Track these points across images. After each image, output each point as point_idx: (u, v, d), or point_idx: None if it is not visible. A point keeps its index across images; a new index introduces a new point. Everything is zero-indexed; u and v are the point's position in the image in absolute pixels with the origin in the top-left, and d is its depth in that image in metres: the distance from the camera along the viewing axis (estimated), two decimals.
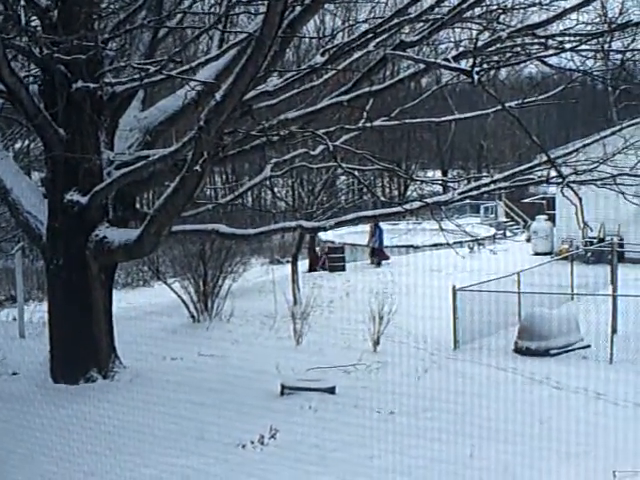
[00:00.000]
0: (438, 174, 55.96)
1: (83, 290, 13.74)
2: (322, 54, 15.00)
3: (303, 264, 31.14)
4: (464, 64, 13.70)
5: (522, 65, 31.43)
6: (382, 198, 25.01)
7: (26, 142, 30.08)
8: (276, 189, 36.43)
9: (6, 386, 13.34)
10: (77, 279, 13.74)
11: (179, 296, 21.39)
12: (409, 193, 50.73)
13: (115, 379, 13.65)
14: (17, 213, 14.46)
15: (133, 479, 8.89)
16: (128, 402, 12.31)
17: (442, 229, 14.37)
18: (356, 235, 36.95)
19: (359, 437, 10.83)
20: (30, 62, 16.42)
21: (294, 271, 24.39)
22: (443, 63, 13.24)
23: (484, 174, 35.92)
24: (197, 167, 12.12)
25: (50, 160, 14.16)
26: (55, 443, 10.10)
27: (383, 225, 33.58)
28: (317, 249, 32.60)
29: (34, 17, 14.07)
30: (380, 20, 14.61)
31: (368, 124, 15.48)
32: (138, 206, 16.39)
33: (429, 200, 15.03)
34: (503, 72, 47.65)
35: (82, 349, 13.69)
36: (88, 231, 13.79)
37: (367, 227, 34.07)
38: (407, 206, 14.60)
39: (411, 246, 37.29)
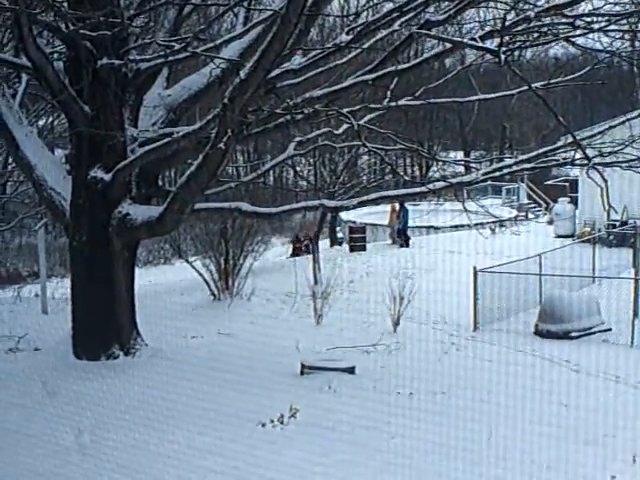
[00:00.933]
0: (460, 155, 55.84)
1: (105, 267, 13.79)
2: (347, 33, 14.93)
3: (324, 243, 31.15)
4: (490, 44, 13.62)
5: (548, 46, 31.05)
6: (406, 177, 24.87)
7: (50, 119, 30.24)
8: (298, 168, 36.49)
9: (29, 361, 13.44)
10: (100, 256, 13.79)
11: (200, 274, 21.47)
12: (431, 174, 50.60)
13: (136, 356, 13.72)
14: (41, 189, 14.51)
15: (158, 454, 8.94)
16: (149, 378, 12.37)
17: (466, 210, 14.30)
18: (377, 215, 36.93)
19: (379, 417, 10.85)
20: (55, 38, 16.48)
21: (315, 250, 24.40)
22: (470, 42, 13.12)
23: (507, 155, 35.74)
24: (221, 145, 12.12)
25: (74, 137, 14.20)
26: (79, 417, 10.18)
27: None
28: (299, 234, 32.13)
29: None
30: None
31: (392, 103, 15.42)
32: (161, 183, 16.39)
33: (452, 180, 14.97)
34: (528, 53, 47.38)
35: (104, 325, 13.76)
36: (111, 208, 13.82)
37: (388, 207, 34.02)
38: (430, 186, 14.52)
39: (432, 227, 37.25)
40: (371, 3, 26.79)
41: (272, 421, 10.31)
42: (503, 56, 11.95)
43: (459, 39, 14.46)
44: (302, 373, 13.26)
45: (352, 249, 32.23)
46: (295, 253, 32.06)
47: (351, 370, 13.35)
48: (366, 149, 32.28)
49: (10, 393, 11.37)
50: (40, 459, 8.64)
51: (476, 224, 29.46)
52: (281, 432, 10.03)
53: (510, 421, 10.92)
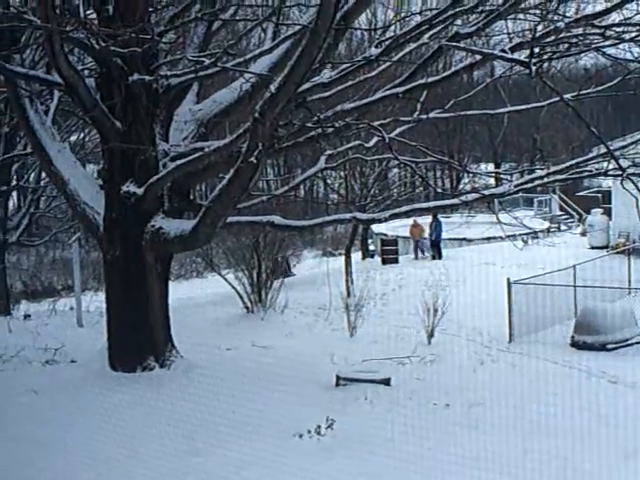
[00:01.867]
0: (490, 167, 55.64)
1: (140, 280, 13.87)
2: (376, 46, 14.98)
3: (356, 256, 31.05)
4: (519, 55, 13.56)
5: (577, 57, 30.91)
6: (438, 190, 24.80)
7: (81, 135, 30.50)
8: (328, 181, 36.52)
9: (65, 373, 13.53)
10: (134, 269, 13.87)
11: (233, 287, 21.54)
12: (461, 186, 50.48)
13: (172, 368, 13.75)
14: (75, 204, 14.63)
15: (196, 464, 8.95)
16: (185, 390, 12.41)
17: (500, 221, 14.23)
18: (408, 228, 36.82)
19: (415, 429, 10.78)
20: (87, 55, 16.64)
21: (347, 263, 24.40)
22: (500, 54, 13.12)
23: (538, 167, 35.57)
24: (252, 158, 12.17)
25: (107, 152, 14.30)
26: (114, 429, 10.21)
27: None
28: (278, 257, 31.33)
29: (91, 10, 14.24)
30: (435, 11, 14.54)
31: (423, 116, 15.41)
32: (193, 197, 16.45)
33: (485, 192, 14.93)
34: (557, 64, 47.13)
35: (139, 338, 13.82)
36: (144, 222, 13.90)
37: (410, 221, 33.91)
38: (463, 198, 14.47)
39: (464, 239, 37.12)
40: (399, 17, 26.92)
41: (309, 432, 10.29)
42: (534, 67, 11.95)
43: (489, 51, 14.49)
44: (337, 384, 13.24)
45: (384, 261, 32.21)
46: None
47: (387, 382, 13.30)
48: (396, 162, 32.36)
49: (47, 405, 11.42)
50: (77, 471, 8.67)
51: (508, 236, 29.38)
52: (318, 443, 10.00)
53: (547, 434, 10.81)
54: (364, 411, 11.90)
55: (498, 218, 14.38)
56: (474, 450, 9.94)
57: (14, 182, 28.06)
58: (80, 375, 13.38)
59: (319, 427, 10.52)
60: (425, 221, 33.51)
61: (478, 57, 14.31)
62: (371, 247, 38.62)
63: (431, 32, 14.31)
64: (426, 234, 33.80)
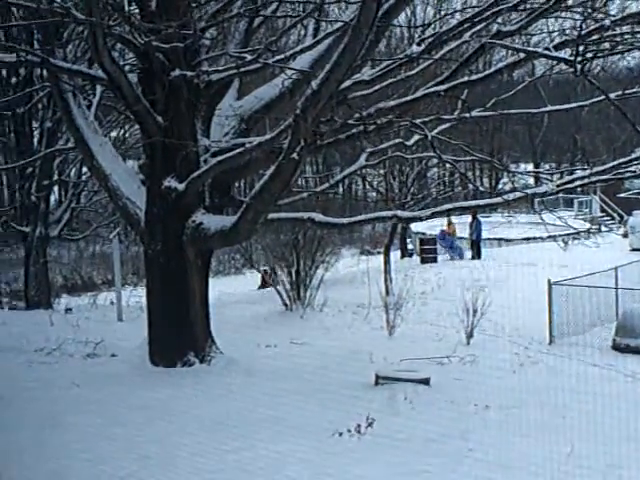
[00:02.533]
0: (529, 167, 55.19)
1: (180, 275, 13.89)
2: (418, 44, 14.91)
3: (395, 255, 30.93)
4: (562, 54, 13.42)
5: (621, 56, 30.55)
6: (481, 189, 24.58)
7: (122, 131, 30.72)
8: (367, 179, 36.46)
9: (106, 367, 13.59)
10: (174, 264, 13.89)
11: (272, 284, 21.55)
12: (500, 186, 50.19)
13: (212, 363, 13.75)
14: (116, 199, 14.68)
15: (236, 461, 8.92)
16: (226, 387, 12.41)
17: (543, 221, 14.08)
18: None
19: (456, 429, 10.71)
20: (128, 51, 16.71)
21: (386, 262, 24.32)
22: (544, 52, 13.00)
23: (578, 167, 35.25)
24: (294, 155, 12.14)
25: (148, 147, 14.33)
26: (155, 423, 10.23)
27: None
28: (266, 268, 30.66)
29: (134, 5, 14.29)
30: (477, 9, 14.43)
31: (465, 114, 15.29)
32: (233, 193, 16.45)
33: (528, 191, 14.77)
34: (600, 63, 46.65)
35: (179, 333, 13.84)
36: (185, 217, 13.92)
37: (453, 220, 33.73)
38: (506, 197, 14.31)
39: (503, 239, 36.86)
40: (439, 15, 26.79)
41: (349, 431, 10.23)
42: (579, 66, 11.81)
43: (533, 49, 14.33)
44: (377, 383, 13.16)
45: (423, 261, 32.07)
46: (263, 285, 30.86)
47: (426, 381, 13.20)
48: (436, 161, 32.18)
49: (89, 397, 11.47)
50: (117, 462, 8.69)
51: (549, 236, 29.09)
52: (358, 442, 9.93)
53: (589, 437, 10.62)
54: (404, 410, 11.81)
55: (542, 218, 14.20)
56: (515, 452, 9.83)
57: (56, 177, 28.27)
58: (121, 369, 13.42)
59: (359, 426, 10.46)
60: (465, 221, 33.33)
61: (521, 55, 14.24)
62: (409, 246, 38.50)
63: (472, 30, 14.23)
64: (460, 234, 33.69)
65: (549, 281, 18.18)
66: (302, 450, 9.43)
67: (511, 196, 14.62)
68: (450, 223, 33.63)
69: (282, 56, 13.86)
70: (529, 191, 14.85)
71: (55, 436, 9.51)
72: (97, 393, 11.76)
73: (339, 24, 13.54)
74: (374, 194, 37.83)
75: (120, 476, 8.25)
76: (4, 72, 28.47)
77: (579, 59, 12.41)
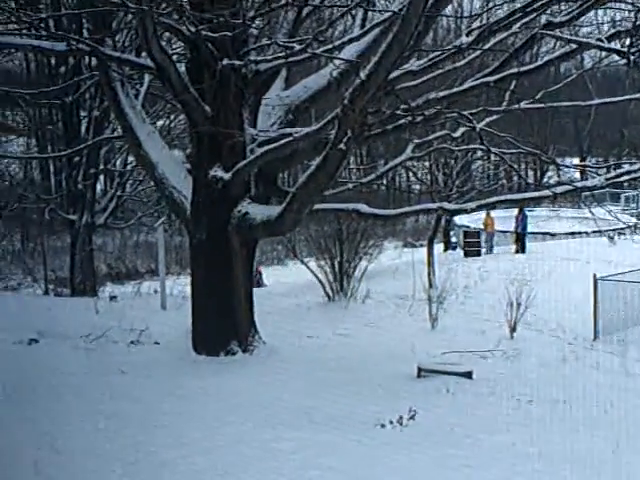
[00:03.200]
0: (575, 161, 54.69)
1: (225, 264, 13.94)
2: (467, 35, 14.83)
3: (438, 248, 30.81)
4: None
5: None
6: (529, 181, 24.41)
7: (168, 121, 30.90)
8: (412, 171, 36.34)
9: (150, 355, 13.68)
10: (219, 254, 13.94)
11: (315, 275, 21.56)
12: (545, 179, 49.78)
13: (254, 353, 13.81)
14: (163, 188, 14.76)
15: (278, 450, 8.95)
16: (266, 376, 12.44)
17: (593, 215, 13.94)
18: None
19: (498, 423, 10.66)
20: (178, 40, 16.79)
21: (430, 254, 24.22)
22: (597, 43, 12.85)
23: (626, 161, 34.84)
24: (341, 145, 12.12)
25: (195, 136, 14.37)
26: (198, 411, 10.29)
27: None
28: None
29: None
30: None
31: (513, 106, 15.19)
32: (279, 184, 16.49)
33: (578, 184, 14.62)
34: None
35: (223, 322, 13.89)
36: (231, 207, 13.96)
37: (492, 214, 33.50)
38: (554, 190, 14.18)
39: (548, 233, 36.54)
40: (488, 5, 26.59)
41: (391, 422, 10.21)
42: (632, 57, 11.66)
43: (586, 40, 14.16)
44: (419, 376, 13.14)
45: (466, 254, 31.91)
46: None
47: (468, 375, 13.15)
48: (480, 153, 31.90)
49: (134, 384, 11.57)
50: (161, 449, 8.75)
51: (594, 231, 28.79)
52: (400, 434, 9.91)
53: (634, 433, 10.52)
54: (446, 403, 11.78)
55: (591, 211, 14.05)
56: (559, 446, 9.73)
57: (102, 166, 28.54)
58: (165, 357, 13.52)
59: (401, 418, 10.44)
60: (510, 214, 33.12)
61: (572, 47, 14.09)
62: (453, 239, 38.33)
63: (522, 21, 14.12)
64: (503, 227, 33.50)
65: (595, 276, 18.01)
66: (344, 441, 9.43)
67: (559, 189, 14.50)
68: (488, 216, 33.44)
69: (330, 46, 13.82)
70: (578, 184, 14.70)
71: (100, 422, 9.60)
72: (141, 380, 11.86)
73: (387, 15, 13.49)
74: (417, 186, 37.77)
75: (161, 461, 8.31)
76: (53, 61, 28.83)
77: (633, 50, 12.27)
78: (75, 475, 8.02)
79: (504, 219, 34.95)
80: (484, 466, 8.94)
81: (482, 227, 34.07)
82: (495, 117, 17.24)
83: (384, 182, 32.13)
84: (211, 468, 8.27)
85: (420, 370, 13.25)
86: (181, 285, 23.22)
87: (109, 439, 8.97)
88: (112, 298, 22.86)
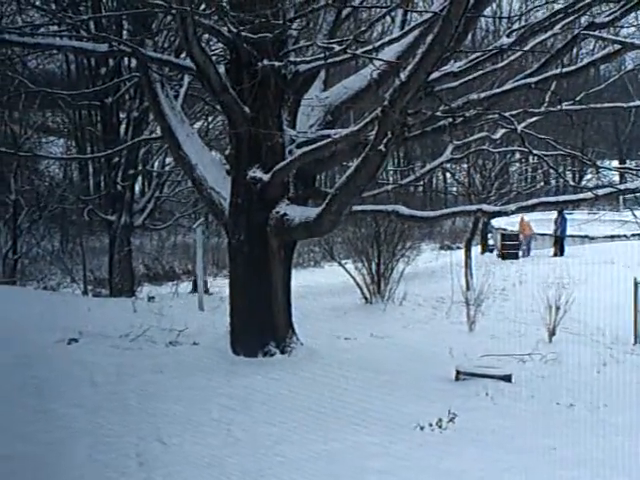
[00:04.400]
0: (614, 164, 54.22)
1: (263, 265, 13.93)
2: (508, 35, 14.77)
3: (475, 250, 30.70)
4: None
5: None
6: (571, 183, 24.27)
7: (205, 122, 31.05)
8: (448, 174, 36.22)
9: (188, 355, 13.71)
10: (258, 254, 13.94)
11: (352, 277, 21.56)
12: (583, 182, 49.36)
13: (292, 354, 13.77)
14: (201, 188, 14.80)
15: (321, 451, 8.93)
16: (304, 378, 12.41)
17: (637, 218, 13.79)
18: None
19: (538, 427, 10.56)
20: (218, 41, 16.84)
21: (467, 257, 24.15)
22: None
23: None
24: (380, 147, 12.08)
25: (234, 137, 14.39)
26: (238, 411, 10.30)
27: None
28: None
29: None
30: (571, 1, 14.21)
31: (553, 108, 15.05)
32: (318, 185, 16.48)
33: (620, 186, 14.43)
34: None
35: (261, 323, 13.89)
36: (269, 208, 13.96)
37: (526, 217, 33.31)
38: (595, 192, 14.02)
39: (587, 236, 36.25)
40: (527, 7, 26.44)
41: (430, 425, 10.16)
42: None
43: (630, 40, 14.03)
44: (457, 378, 13.06)
45: (504, 256, 31.77)
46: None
47: (507, 378, 13.05)
48: (518, 155, 31.67)
49: (173, 384, 11.61)
50: (205, 449, 8.77)
51: (633, 235, 28.50)
52: (440, 436, 9.86)
53: None
54: (485, 406, 11.71)
55: (634, 214, 13.89)
56: (601, 451, 9.61)
57: (140, 166, 28.76)
58: (203, 357, 13.55)
59: (440, 420, 10.38)
60: (549, 217, 32.92)
61: (615, 47, 13.94)
62: (490, 242, 38.18)
63: (563, 22, 14.03)
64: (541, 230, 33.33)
65: (635, 280, 17.84)
66: (384, 443, 9.40)
67: (600, 191, 14.35)
68: (523, 221, 33.29)
69: (370, 47, 13.78)
70: (620, 186, 14.51)
71: (142, 421, 9.65)
72: (181, 380, 11.89)
73: (427, 16, 13.44)
74: (454, 188, 37.62)
75: (206, 462, 8.33)
76: (93, 63, 29.09)
77: None
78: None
79: (542, 222, 34.72)
80: (525, 470, 8.85)
81: (519, 230, 33.93)
82: (535, 119, 17.11)
83: (422, 184, 32.02)
84: (258, 469, 8.26)
85: (458, 373, 13.18)
86: (218, 286, 23.33)
87: (153, 439, 8.99)
88: (150, 298, 23.03)
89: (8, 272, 30.16)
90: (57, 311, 18.05)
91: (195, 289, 28.73)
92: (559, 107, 14.32)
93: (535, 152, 15.40)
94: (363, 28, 15.28)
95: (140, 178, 33.82)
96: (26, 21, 20.05)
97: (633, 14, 21.45)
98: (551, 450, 9.59)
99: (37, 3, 19.89)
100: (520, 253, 33.17)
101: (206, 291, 23.60)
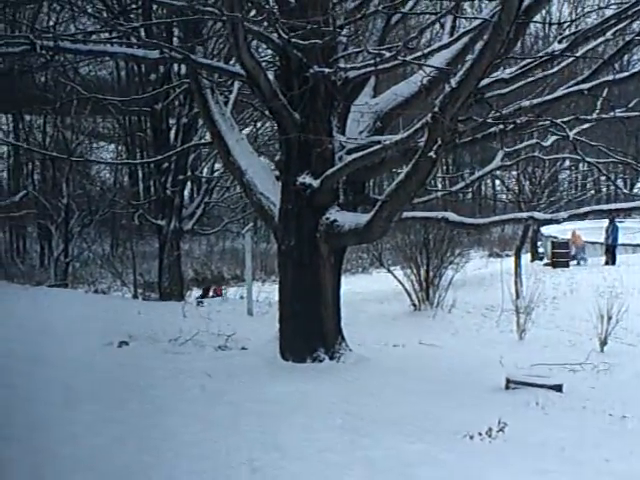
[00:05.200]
0: None
1: (313, 271, 13.93)
2: (559, 41, 14.66)
3: (525, 258, 30.48)
4: None
5: None
6: (625, 191, 23.99)
7: (254, 128, 31.20)
8: (497, 181, 35.96)
9: (237, 360, 13.75)
10: (307, 261, 13.95)
11: (401, 284, 21.49)
12: (635, 190, 48.75)
13: (341, 361, 13.75)
14: (251, 194, 14.85)
15: (368, 457, 8.87)
16: (353, 384, 12.38)
17: None
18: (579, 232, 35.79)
19: (590, 438, 10.38)
20: (267, 48, 16.92)
21: (517, 264, 23.96)
22: None
23: None
24: (431, 153, 12.03)
25: (284, 143, 14.43)
26: (286, 417, 10.28)
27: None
28: (210, 288, 31.10)
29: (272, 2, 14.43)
30: (623, 6, 14.06)
31: (606, 115, 14.90)
32: (368, 191, 16.45)
33: None
34: None
35: (310, 329, 13.88)
36: (319, 214, 13.96)
37: (578, 224, 32.97)
38: None
39: (638, 245, 35.77)
40: (578, 13, 26.19)
41: (480, 434, 10.03)
42: None
43: None
44: (507, 388, 12.92)
45: (554, 265, 31.47)
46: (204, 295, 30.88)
47: (558, 388, 12.88)
48: (568, 163, 31.34)
49: (221, 388, 11.63)
50: (247, 453, 8.76)
51: None
52: (489, 446, 9.73)
53: None
54: (535, 416, 11.54)
55: None
56: None
57: (189, 172, 28.97)
58: (252, 362, 13.57)
59: (490, 429, 10.24)
60: (600, 225, 32.54)
61: None
62: (540, 249, 37.86)
63: (616, 28, 13.92)
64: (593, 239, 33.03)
65: None
66: (432, 451, 9.30)
67: None
68: (575, 234, 33.01)
69: (419, 53, 13.75)
70: None
71: (188, 425, 9.67)
72: (229, 385, 11.91)
73: (476, 22, 13.38)
74: (504, 195, 37.35)
75: (253, 467, 8.30)
76: (143, 69, 29.39)
77: None
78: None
79: (593, 230, 34.33)
80: None
81: (570, 238, 33.62)
82: (587, 125, 16.93)
83: (471, 191, 31.89)
84: (303, 475, 8.23)
85: (508, 381, 13.03)
86: (266, 292, 23.40)
87: (198, 441, 9.01)
88: (199, 303, 23.16)
89: (60, 275, 30.57)
90: (108, 314, 18.25)
91: (214, 295, 29.04)
92: (612, 114, 14.14)
93: (588, 159, 15.25)
94: (413, 34, 15.18)
95: (189, 184, 34.06)
96: (79, 28, 20.35)
97: None
98: (603, 462, 9.42)
99: (90, 11, 20.17)
100: (575, 262, 32.89)
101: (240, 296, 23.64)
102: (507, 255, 35.10)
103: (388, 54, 13.26)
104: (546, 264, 33.39)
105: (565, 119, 15.02)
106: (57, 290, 25.55)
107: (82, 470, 7.75)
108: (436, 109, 11.92)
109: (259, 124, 30.90)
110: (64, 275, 30.87)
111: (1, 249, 37.98)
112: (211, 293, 30.18)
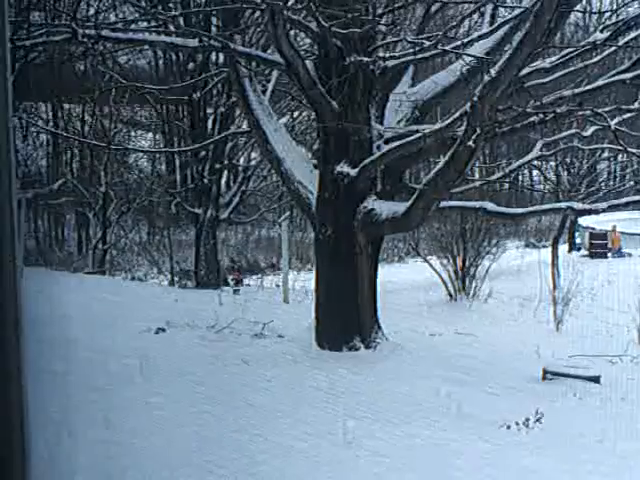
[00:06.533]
0: None
1: (350, 260, 13.94)
2: (601, 31, 14.54)
3: (562, 248, 30.26)
4: None
5: None
6: None
7: (291, 117, 31.21)
8: (535, 172, 35.73)
9: (273, 347, 13.79)
10: (344, 249, 13.96)
11: (438, 273, 21.45)
12: None
13: (377, 349, 13.76)
14: (289, 183, 14.88)
15: (405, 446, 8.92)
16: (390, 373, 12.40)
17: None
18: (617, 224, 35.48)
19: (629, 429, 10.33)
20: (306, 37, 16.92)
21: (554, 255, 23.77)
22: None
23: None
24: (470, 142, 11.99)
25: (322, 132, 14.45)
26: (324, 404, 10.34)
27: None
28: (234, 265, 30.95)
29: None
30: None
31: None
32: (405, 180, 16.42)
33: None
34: None
35: (347, 317, 13.91)
36: (356, 203, 13.96)
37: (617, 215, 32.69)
38: None
39: None
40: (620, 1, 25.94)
41: (517, 424, 10.03)
42: None
43: None
44: (544, 378, 12.89)
45: (592, 256, 31.25)
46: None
47: (596, 379, 12.84)
48: (606, 154, 31.07)
49: (259, 376, 11.70)
50: (290, 442, 8.83)
51: None
52: (527, 436, 9.73)
53: None
54: (573, 407, 11.54)
55: None
56: None
57: (226, 161, 29.04)
58: (288, 350, 13.61)
59: (527, 420, 10.24)
60: (638, 217, 32.22)
61: None
62: (577, 240, 37.59)
63: None
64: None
65: None
66: (469, 440, 9.32)
67: None
68: (614, 231, 32.72)
69: (459, 43, 13.71)
70: None
71: (234, 411, 9.76)
72: (267, 372, 11.97)
73: (517, 11, 13.31)
74: (541, 186, 37.12)
75: (289, 452, 8.38)
76: (181, 58, 29.51)
77: None
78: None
79: (631, 221, 34.01)
80: (616, 473, 8.70)
81: (609, 229, 33.36)
82: (628, 115, 16.76)
83: (508, 181, 31.70)
84: (344, 460, 8.29)
85: (545, 372, 13.01)
86: (302, 280, 23.44)
87: (239, 427, 9.10)
88: (235, 291, 23.25)
89: (98, 262, 30.82)
90: (144, 301, 18.38)
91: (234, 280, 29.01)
92: None
93: (630, 149, 15.08)
94: (453, 23, 15.13)
95: (226, 172, 34.15)
96: (119, 17, 20.47)
97: None
98: None
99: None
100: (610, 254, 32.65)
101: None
102: (543, 246, 34.79)
103: (427, 43, 13.24)
104: (583, 255, 33.21)
105: (607, 109, 14.88)
106: (95, 277, 25.79)
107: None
108: (475, 98, 11.88)
109: (296, 113, 30.90)
110: (101, 262, 31.11)
111: (40, 237, 38.30)
112: (231, 278, 30.22)
